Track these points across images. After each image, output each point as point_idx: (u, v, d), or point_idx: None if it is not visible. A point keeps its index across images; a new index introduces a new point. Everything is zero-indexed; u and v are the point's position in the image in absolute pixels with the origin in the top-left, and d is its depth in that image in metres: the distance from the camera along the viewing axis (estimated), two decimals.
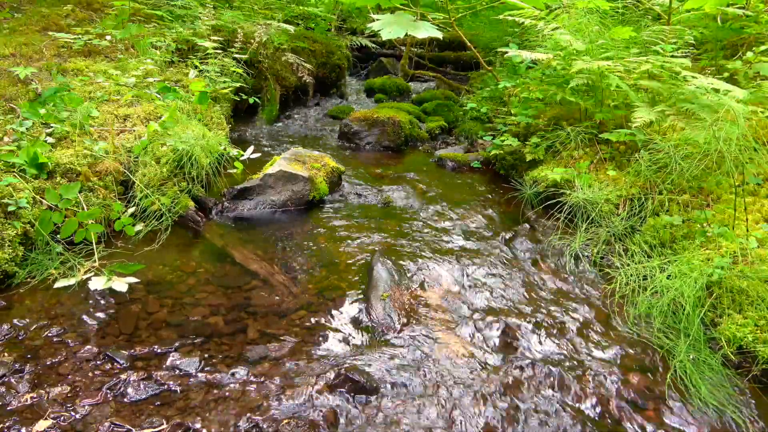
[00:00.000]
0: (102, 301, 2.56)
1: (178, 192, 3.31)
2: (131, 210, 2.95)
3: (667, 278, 2.62)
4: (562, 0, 4.07)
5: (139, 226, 2.96)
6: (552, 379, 2.20)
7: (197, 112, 3.88)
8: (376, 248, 3.16)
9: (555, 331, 2.50)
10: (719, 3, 3.65)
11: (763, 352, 2.22)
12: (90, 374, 2.11)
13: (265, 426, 1.92)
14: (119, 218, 2.86)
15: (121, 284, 2.30)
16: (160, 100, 3.84)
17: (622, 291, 2.76)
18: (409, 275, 2.89)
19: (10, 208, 2.69)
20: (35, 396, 2.00)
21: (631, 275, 2.81)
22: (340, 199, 3.93)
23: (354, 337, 2.45)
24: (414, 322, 2.53)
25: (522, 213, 3.69)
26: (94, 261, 2.53)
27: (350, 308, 2.64)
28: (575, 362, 2.32)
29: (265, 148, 4.81)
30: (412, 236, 3.36)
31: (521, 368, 2.25)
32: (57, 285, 2.35)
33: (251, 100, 4.73)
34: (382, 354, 2.32)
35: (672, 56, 3.40)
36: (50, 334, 2.31)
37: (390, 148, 5.22)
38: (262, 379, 2.15)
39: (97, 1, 5.34)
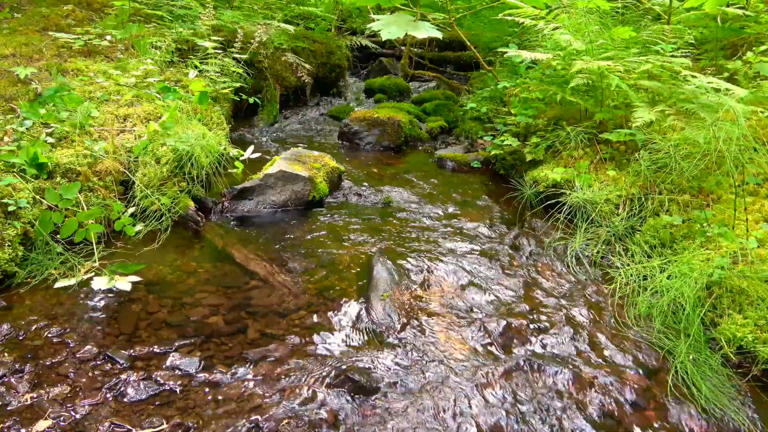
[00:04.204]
0: (102, 301, 2.56)
1: (178, 192, 3.31)
2: (131, 210, 2.95)
3: (667, 278, 2.62)
4: (562, 0, 4.06)
5: (139, 226, 2.96)
6: (552, 378, 2.20)
7: (197, 112, 3.88)
8: (376, 248, 3.16)
9: (555, 331, 2.50)
10: (719, 3, 3.65)
11: (763, 352, 2.22)
12: (90, 374, 2.11)
13: (265, 426, 1.92)
14: (119, 218, 2.86)
15: (124, 283, 2.30)
16: (160, 100, 3.84)
17: (623, 291, 2.76)
18: (409, 275, 2.88)
19: (10, 208, 2.68)
20: (35, 396, 2.00)
21: (632, 275, 2.81)
22: (340, 199, 3.93)
23: (354, 337, 2.45)
24: (414, 322, 2.53)
25: (522, 213, 3.69)
26: (95, 261, 2.53)
27: (350, 308, 2.64)
28: (575, 362, 2.32)
29: (265, 148, 4.81)
30: (412, 236, 3.36)
31: (521, 368, 2.25)
32: (57, 285, 2.35)
33: (251, 100, 4.73)
34: (382, 354, 2.32)
35: (672, 56, 3.40)
36: (50, 334, 2.31)
37: (390, 148, 5.22)
38: (262, 379, 2.15)
39: (97, 1, 5.34)
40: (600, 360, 2.35)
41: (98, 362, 2.18)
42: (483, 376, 2.20)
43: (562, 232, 3.31)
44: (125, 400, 2.01)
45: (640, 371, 2.29)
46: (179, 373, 2.16)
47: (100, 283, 2.30)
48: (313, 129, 5.82)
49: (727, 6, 3.79)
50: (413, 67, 7.54)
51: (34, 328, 2.34)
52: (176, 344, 2.31)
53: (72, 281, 2.36)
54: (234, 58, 4.68)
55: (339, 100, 6.85)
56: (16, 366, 2.12)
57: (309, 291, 2.76)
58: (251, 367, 2.21)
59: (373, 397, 2.08)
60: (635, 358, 2.36)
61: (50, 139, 3.20)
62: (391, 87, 6.98)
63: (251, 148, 3.55)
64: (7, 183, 2.75)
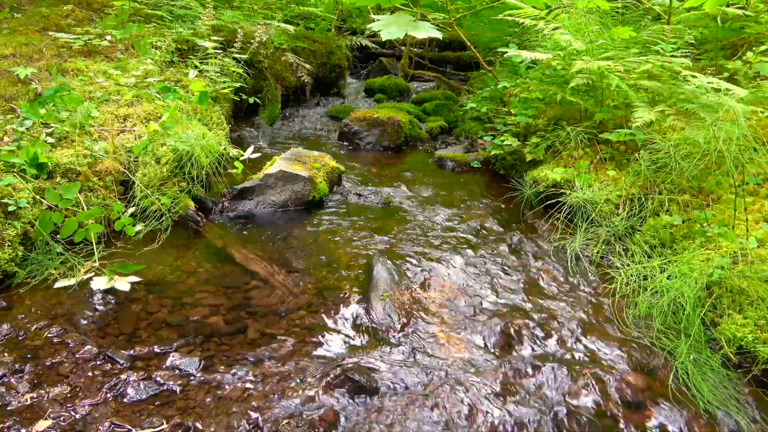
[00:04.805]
0: (102, 301, 2.56)
1: (178, 192, 3.31)
2: (131, 210, 2.96)
3: (668, 278, 2.62)
4: (562, 0, 4.06)
5: (139, 226, 2.96)
6: (552, 379, 2.20)
7: (197, 112, 3.88)
8: (376, 248, 3.17)
9: (555, 331, 2.50)
10: (719, 3, 3.65)
11: (763, 352, 2.22)
12: (90, 374, 2.11)
13: (265, 426, 1.92)
14: (119, 218, 2.86)
15: (123, 284, 2.30)
16: (160, 100, 3.84)
17: (623, 291, 2.76)
18: (409, 275, 2.89)
19: (10, 208, 2.68)
20: (35, 396, 2.00)
21: (632, 275, 2.81)
22: (340, 199, 3.93)
23: (354, 337, 2.45)
24: (414, 322, 2.53)
25: (522, 213, 3.69)
26: (95, 261, 2.53)
27: (350, 308, 2.64)
28: (575, 362, 2.32)
29: (265, 148, 4.81)
30: (412, 236, 3.36)
31: (521, 368, 2.25)
32: (57, 285, 2.35)
33: (251, 100, 4.73)
34: (382, 354, 2.32)
35: (672, 56, 3.40)
36: (50, 334, 2.31)
37: (390, 148, 5.22)
38: (262, 379, 2.15)
39: (97, 1, 5.34)
40: (600, 360, 2.35)
41: (98, 362, 2.18)
42: (483, 376, 2.20)
43: (562, 232, 3.31)
44: (125, 400, 2.01)
45: (641, 371, 2.29)
46: (179, 373, 2.16)
47: (99, 283, 2.30)
48: (313, 129, 5.82)
49: (727, 6, 3.79)
50: (413, 67, 7.54)
51: (34, 328, 2.34)
52: (176, 344, 2.31)
53: (72, 281, 2.36)
54: (234, 58, 4.67)
55: (339, 100, 6.85)
56: (16, 366, 2.12)
57: (309, 291, 2.76)
58: (251, 367, 2.21)
59: (373, 397, 2.08)
60: (635, 358, 2.36)
61: (50, 139, 3.20)
62: (391, 87, 6.98)
63: (251, 148, 3.55)
64: (7, 183, 2.75)
